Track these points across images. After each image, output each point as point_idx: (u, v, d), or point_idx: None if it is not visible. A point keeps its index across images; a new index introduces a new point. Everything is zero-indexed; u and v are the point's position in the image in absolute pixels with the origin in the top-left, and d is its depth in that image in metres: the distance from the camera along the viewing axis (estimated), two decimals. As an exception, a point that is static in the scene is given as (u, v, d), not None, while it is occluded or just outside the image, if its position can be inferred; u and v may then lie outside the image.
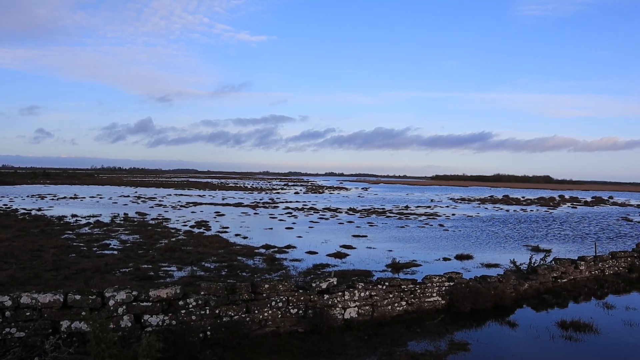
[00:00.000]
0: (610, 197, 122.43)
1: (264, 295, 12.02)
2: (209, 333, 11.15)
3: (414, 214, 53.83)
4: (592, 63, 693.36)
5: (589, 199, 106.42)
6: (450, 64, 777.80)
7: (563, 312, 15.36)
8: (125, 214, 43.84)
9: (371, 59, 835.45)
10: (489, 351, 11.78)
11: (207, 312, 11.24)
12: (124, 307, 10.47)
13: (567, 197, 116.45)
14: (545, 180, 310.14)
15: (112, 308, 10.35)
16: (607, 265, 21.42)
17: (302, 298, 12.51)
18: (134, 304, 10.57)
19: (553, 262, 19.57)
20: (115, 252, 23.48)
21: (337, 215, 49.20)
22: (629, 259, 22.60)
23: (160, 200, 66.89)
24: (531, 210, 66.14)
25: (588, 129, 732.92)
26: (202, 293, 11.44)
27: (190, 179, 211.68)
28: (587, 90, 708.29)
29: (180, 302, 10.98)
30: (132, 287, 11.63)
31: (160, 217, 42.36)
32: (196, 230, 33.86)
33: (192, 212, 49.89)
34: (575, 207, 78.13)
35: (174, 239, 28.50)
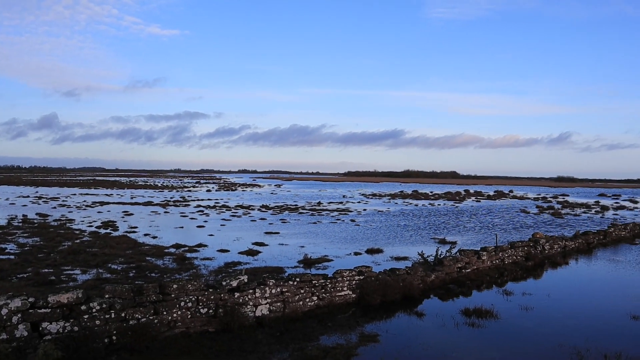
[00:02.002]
0: (511, 191, 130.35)
1: (173, 295, 11.69)
2: (114, 338, 10.69)
3: (327, 210, 54.55)
4: (496, 64, 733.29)
5: (491, 193, 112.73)
6: (364, 62, 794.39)
7: (467, 301, 16.17)
8: (24, 215, 41.09)
9: (287, 56, 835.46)
10: (398, 341, 12.16)
11: (113, 315, 10.77)
12: (19, 315, 9.78)
13: (472, 191, 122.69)
14: (452, 176, 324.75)
15: (4, 317, 9.63)
16: (506, 255, 22.78)
17: (212, 297, 12.30)
18: (30, 311, 9.90)
19: (458, 253, 20.54)
20: (12, 257, 21.95)
21: (249, 213, 48.87)
22: (525, 248, 24.15)
23: (63, 201, 63.36)
24: (439, 205, 69.02)
25: (493, 127, 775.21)
26: (107, 296, 10.94)
27: (97, 178, 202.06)
28: (492, 91, 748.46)
29: (83, 307, 10.44)
30: (30, 293, 10.94)
31: (64, 218, 40.12)
32: (103, 231, 32.40)
33: (99, 212, 47.68)
34: (479, 201, 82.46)
35: (78, 241, 27.10)
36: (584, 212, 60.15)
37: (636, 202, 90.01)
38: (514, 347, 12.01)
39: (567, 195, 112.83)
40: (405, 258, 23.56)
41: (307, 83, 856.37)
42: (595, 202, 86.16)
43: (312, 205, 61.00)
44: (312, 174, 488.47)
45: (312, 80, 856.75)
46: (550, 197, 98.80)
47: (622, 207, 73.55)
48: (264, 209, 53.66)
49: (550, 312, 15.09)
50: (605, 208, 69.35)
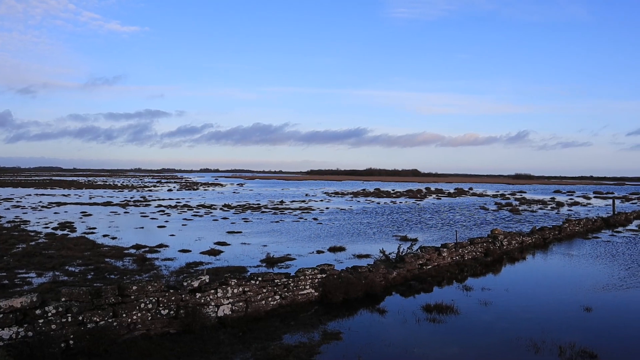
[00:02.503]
0: (471, 189, 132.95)
1: (132, 297, 11.49)
2: (71, 342, 10.43)
3: (289, 208, 54.50)
4: (456, 64, 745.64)
5: (452, 191, 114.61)
6: (327, 61, 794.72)
7: (428, 297, 16.41)
8: (-26, 217, 39.65)
9: (250, 54, 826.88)
10: (360, 338, 12.25)
11: (69, 319, 10.50)
12: (-30, 320, 9.46)
13: (432, 189, 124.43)
14: (413, 174, 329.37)
15: (-45, 322, 9.31)
16: (466, 251, 23.21)
17: (173, 298, 12.14)
18: (-19, 316, 9.58)
19: (419, 250, 20.81)
20: (-38, 260, 21.16)
21: (211, 212, 48.40)
22: (484, 244, 24.67)
23: (17, 201, 61.34)
24: (400, 202, 69.82)
25: (453, 125, 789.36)
26: (63, 299, 10.67)
27: (54, 178, 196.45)
28: (453, 90, 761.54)
29: (38, 311, 10.15)
30: (-20, 297, 10.54)
31: (18, 220, 38.86)
32: (59, 232, 31.53)
33: (55, 212, 46.38)
34: (440, 198, 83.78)
35: (33, 243, 26.30)
36: (541, 209, 61.82)
37: (589, 199, 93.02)
38: (473, 341, 12.25)
39: (525, 192, 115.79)
40: (367, 256, 23.74)
41: (270, 81, 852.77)
42: (551, 198, 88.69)
43: (274, 204, 60.83)
44: (275, 172, 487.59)
45: (276, 79, 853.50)
46: (509, 194, 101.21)
47: (576, 203, 75.91)
48: (226, 208, 53.21)
49: (508, 306, 15.47)
50: (560, 204, 71.44)
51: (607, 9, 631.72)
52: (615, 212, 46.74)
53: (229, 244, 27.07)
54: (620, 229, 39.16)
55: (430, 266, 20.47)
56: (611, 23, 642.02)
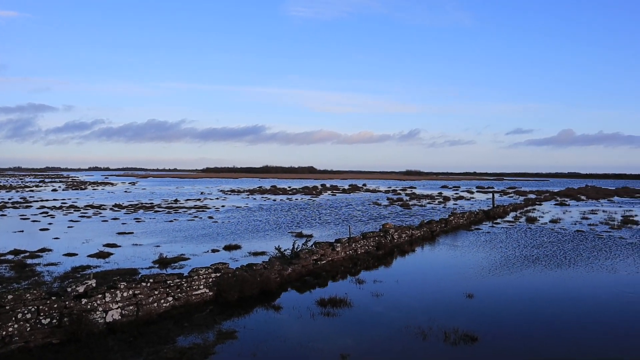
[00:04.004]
0: (364, 185, 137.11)
1: (8, 307, 10.63)
2: (-64, 359, 9.49)
3: (184, 207, 53.15)
4: (351, 64, 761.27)
5: (346, 187, 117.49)
6: (225, 58, 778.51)
7: (323, 291, 16.72)
8: None
9: (144, 48, 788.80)
10: (256, 336, 12.22)
11: None
12: None
13: (328, 185, 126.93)
14: (309, 171, 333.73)
15: None
16: (359, 245, 23.89)
17: (55, 306, 11.39)
18: None
19: (314, 246, 21.13)
20: None
21: (100, 213, 46.00)
22: (376, 238, 25.53)
23: None
24: (296, 199, 70.45)
25: (349, 123, 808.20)
26: None
27: None
28: (349, 89, 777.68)
29: None
30: None
31: None
32: None
33: None
34: (335, 195, 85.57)
35: None
36: (429, 203, 65.12)
37: (472, 193, 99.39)
38: (366, 332, 12.66)
39: (415, 188, 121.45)
40: (263, 253, 23.72)
41: (166, 77, 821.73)
42: (438, 193, 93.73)
43: (168, 203, 59.02)
44: (170, 170, 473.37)
45: (171, 74, 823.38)
46: (400, 190, 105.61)
47: (461, 198, 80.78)
48: (116, 209, 50.82)
49: (399, 297, 16.15)
50: (447, 199, 75.65)
51: (490, 16, 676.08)
52: (495, 205, 50.34)
53: (120, 246, 25.89)
54: (499, 220, 42.24)
55: (324, 261, 20.86)
56: (493, 30, 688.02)
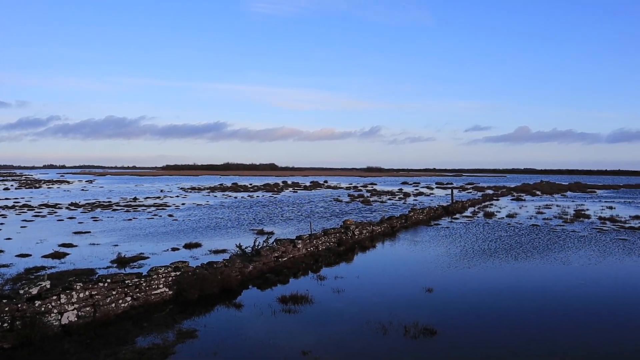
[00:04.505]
0: (326, 182, 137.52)
1: (-43, 310, 10.27)
2: None
3: (143, 205, 52.23)
4: (313, 61, 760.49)
5: (308, 184, 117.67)
6: (185, 53, 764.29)
7: (284, 288, 16.71)
8: None
9: (101, 42, 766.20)
10: (217, 335, 12.13)
11: None
12: None
13: (289, 182, 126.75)
14: (271, 168, 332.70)
15: None
16: (320, 242, 23.97)
17: (7, 309, 11.02)
18: None
19: (275, 243, 21.10)
20: None
21: (56, 212, 44.73)
22: (337, 234, 25.66)
23: None
24: (257, 196, 70.14)
25: (311, 120, 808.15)
26: None
27: None
28: (310, 86, 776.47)
29: None
30: None
31: None
32: None
33: None
34: (296, 192, 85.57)
35: None
36: (390, 199, 65.81)
37: (432, 189, 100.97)
38: (327, 328, 12.73)
39: (376, 184, 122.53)
40: (224, 251, 23.54)
41: (125, 72, 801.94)
42: (399, 189, 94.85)
43: (127, 201, 57.88)
44: (128, 168, 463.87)
45: (130, 70, 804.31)
46: (361, 187, 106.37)
47: (421, 194, 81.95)
48: (73, 207, 49.52)
49: (360, 292, 16.28)
50: (407, 195, 76.62)
51: (449, 15, 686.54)
52: (454, 201, 51.23)
53: (76, 246, 25.25)
54: (457, 215, 43.05)
55: (286, 258, 20.85)
56: (452, 29, 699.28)
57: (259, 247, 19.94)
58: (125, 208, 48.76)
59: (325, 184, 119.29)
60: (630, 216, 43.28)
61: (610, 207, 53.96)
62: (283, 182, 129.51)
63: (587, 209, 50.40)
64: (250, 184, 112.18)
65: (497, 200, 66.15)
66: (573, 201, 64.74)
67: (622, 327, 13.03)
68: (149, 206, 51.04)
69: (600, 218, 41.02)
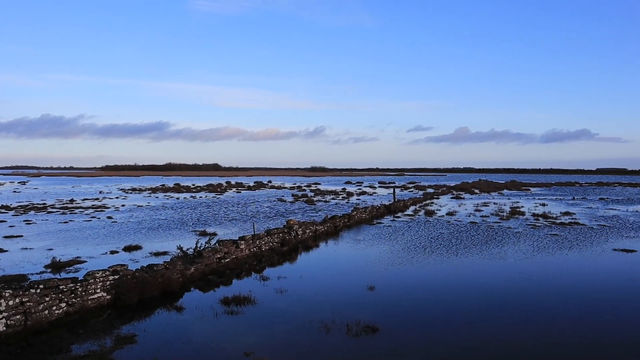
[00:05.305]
0: (270, 182, 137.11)
1: None
2: None
3: (81, 207, 50.44)
4: (256, 60, 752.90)
5: (252, 184, 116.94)
6: (126, 50, 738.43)
7: (227, 290, 16.55)
8: None
9: (39, 38, 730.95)
10: (157, 339, 11.87)
11: None
12: None
13: (233, 183, 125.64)
14: (214, 168, 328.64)
15: None
16: (263, 242, 23.87)
17: None
18: None
19: (217, 244, 20.85)
20: None
21: (-15, 216, 42.57)
22: (281, 234, 25.63)
23: None
24: (200, 197, 69.10)
25: (255, 120, 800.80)
26: None
27: None
28: (255, 85, 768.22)
29: None
30: None
31: None
32: None
33: None
34: (240, 192, 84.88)
35: None
36: (333, 199, 66.30)
37: (375, 188, 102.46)
38: (270, 328, 12.69)
39: (319, 184, 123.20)
40: (165, 253, 23.06)
41: (62, 69, 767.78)
42: (342, 189, 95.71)
43: (63, 203, 55.73)
44: (65, 169, 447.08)
45: (68, 67, 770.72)
46: (305, 186, 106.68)
47: (364, 193, 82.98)
48: (4, 210, 47.20)
49: (303, 292, 16.32)
50: (350, 194, 77.41)
51: (392, 17, 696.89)
52: (396, 200, 52.18)
53: (6, 250, 24.08)
54: (399, 214, 43.87)
55: (228, 259, 20.64)
56: (395, 31, 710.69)
57: (201, 248, 19.66)
58: (61, 210, 46.95)
59: (269, 184, 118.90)
60: (561, 212, 45.41)
61: (543, 204, 56.42)
62: (227, 182, 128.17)
63: (522, 206, 52.47)
64: (193, 185, 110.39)
65: (438, 198, 67.84)
66: (509, 199, 67.29)
67: (558, 317, 13.60)
68: (87, 208, 49.35)
69: (534, 215, 42.79)
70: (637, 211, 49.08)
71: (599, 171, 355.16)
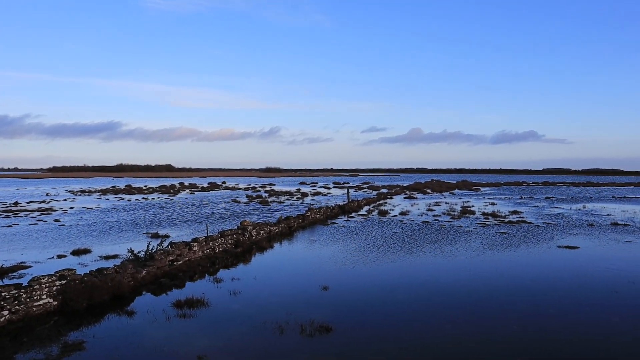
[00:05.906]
0: (224, 182, 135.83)
1: None
2: None
3: (25, 210, 48.65)
4: (211, 60, 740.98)
5: (205, 185, 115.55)
6: (75, 47, 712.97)
7: (179, 293, 16.31)
8: None
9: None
10: (107, 345, 11.59)
11: None
12: None
13: (186, 184, 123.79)
14: (167, 169, 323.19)
15: None
16: (217, 244, 23.64)
17: None
18: None
19: (169, 246, 20.52)
20: None
21: None
22: (235, 236, 25.44)
23: None
24: (153, 199, 67.80)
25: (210, 120, 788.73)
26: None
27: None
28: (209, 85, 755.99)
29: None
30: None
31: None
32: None
33: None
34: (194, 193, 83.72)
35: None
36: (288, 199, 66.23)
37: (329, 189, 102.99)
38: (223, 331, 12.59)
39: (274, 185, 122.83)
40: (115, 256, 22.52)
41: (6, 65, 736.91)
42: (297, 189, 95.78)
43: (6, 206, 53.59)
44: (10, 170, 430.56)
45: (13, 63, 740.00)
46: (259, 187, 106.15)
47: (318, 193, 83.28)
48: (-59, 215, 45.07)
49: (257, 293, 16.25)
50: (305, 195, 77.53)
51: (347, 18, 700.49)
52: (350, 200, 52.61)
53: (-55, 256, 23.02)
54: (353, 214, 44.24)
55: (181, 261, 20.35)
56: (350, 32, 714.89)
57: (153, 251, 19.30)
58: (5, 214, 45.14)
59: (224, 185, 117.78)
60: (509, 211, 46.84)
61: (492, 204, 58.06)
62: (180, 183, 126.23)
63: (473, 206, 53.81)
64: (145, 186, 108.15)
65: (391, 198, 68.77)
66: (460, 198, 68.87)
67: (506, 312, 14.02)
68: (33, 211, 47.64)
69: (483, 214, 43.96)
70: (579, 209, 51.10)
71: (545, 171, 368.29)
